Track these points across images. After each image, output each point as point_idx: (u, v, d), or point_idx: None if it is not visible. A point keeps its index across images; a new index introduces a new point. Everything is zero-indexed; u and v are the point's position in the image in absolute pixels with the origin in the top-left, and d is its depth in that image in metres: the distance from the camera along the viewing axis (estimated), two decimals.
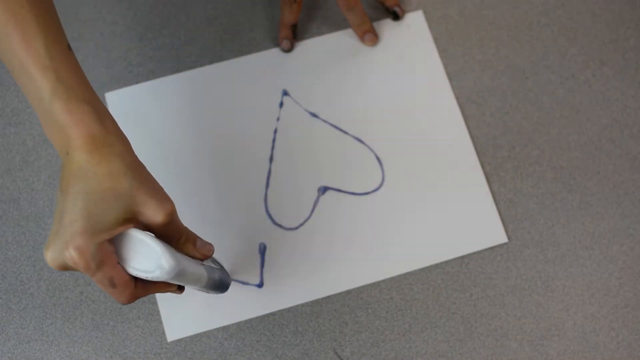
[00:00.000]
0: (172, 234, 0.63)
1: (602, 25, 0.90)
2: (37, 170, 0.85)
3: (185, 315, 0.81)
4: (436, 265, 0.83)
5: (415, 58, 0.89)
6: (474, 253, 0.83)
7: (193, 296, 0.82)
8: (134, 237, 0.60)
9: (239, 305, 0.82)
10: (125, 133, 0.86)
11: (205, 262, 0.70)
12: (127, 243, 0.60)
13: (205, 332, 0.81)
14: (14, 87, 0.88)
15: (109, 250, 0.59)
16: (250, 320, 0.81)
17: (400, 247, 0.83)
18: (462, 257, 0.83)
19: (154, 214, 0.60)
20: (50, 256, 0.58)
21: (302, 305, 0.82)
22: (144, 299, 0.81)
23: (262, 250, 0.83)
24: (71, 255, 0.57)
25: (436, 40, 0.90)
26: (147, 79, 0.88)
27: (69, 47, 0.61)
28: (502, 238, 0.83)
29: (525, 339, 0.81)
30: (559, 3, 0.91)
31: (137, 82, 0.88)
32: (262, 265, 0.83)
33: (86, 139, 0.58)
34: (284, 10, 0.88)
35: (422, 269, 0.82)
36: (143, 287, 0.63)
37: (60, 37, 0.61)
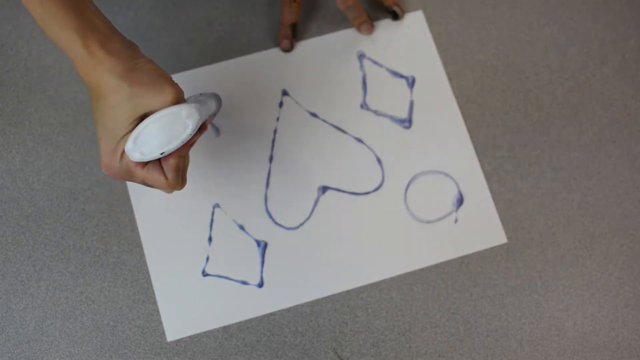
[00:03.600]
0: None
1: (602, 25, 0.90)
2: (37, 170, 0.85)
3: (185, 315, 0.81)
4: (436, 265, 0.83)
5: (415, 58, 0.89)
6: (474, 253, 0.83)
7: (193, 296, 0.82)
8: (149, 124, 0.64)
9: (239, 305, 0.82)
10: None
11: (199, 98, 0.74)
12: (148, 134, 0.64)
13: (205, 332, 0.81)
14: (14, 87, 0.88)
15: (128, 158, 0.65)
16: (250, 320, 0.81)
17: (400, 247, 0.83)
18: (462, 257, 0.83)
19: (160, 106, 0.64)
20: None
21: (302, 305, 0.82)
22: (144, 299, 0.81)
23: (262, 249, 0.83)
24: (105, 173, 0.67)
25: (436, 40, 0.90)
26: None
27: None
28: (502, 238, 0.83)
29: (525, 339, 0.81)
30: (559, 3, 0.91)
31: None
32: (262, 265, 0.83)
33: (80, 66, 0.64)
34: (283, 9, 0.88)
35: (422, 269, 0.83)
36: (175, 164, 0.67)
37: None
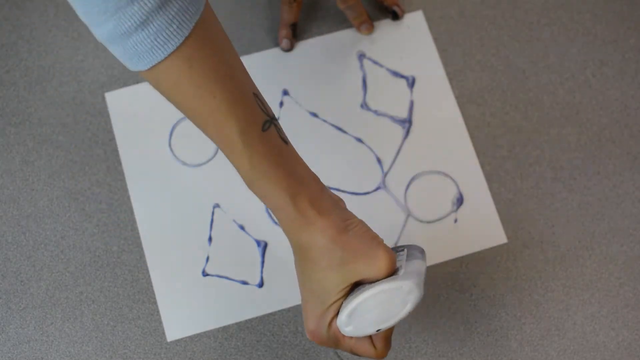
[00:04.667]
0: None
1: (602, 25, 0.90)
2: (37, 170, 0.85)
3: (185, 315, 0.81)
4: (436, 265, 0.83)
5: (415, 58, 0.89)
6: (474, 253, 0.83)
7: (193, 296, 0.82)
8: (367, 299, 0.60)
9: (239, 305, 0.82)
10: (125, 133, 0.87)
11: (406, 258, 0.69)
12: (364, 308, 0.60)
13: (205, 332, 0.81)
14: (13, 87, 0.88)
15: (337, 327, 0.61)
16: (250, 320, 0.81)
17: None
18: (462, 257, 0.83)
19: (375, 275, 0.60)
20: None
21: None
22: (144, 299, 0.81)
23: (262, 249, 0.83)
24: (309, 338, 0.63)
25: (436, 40, 0.90)
26: None
27: (266, 125, 0.59)
28: (502, 238, 0.83)
29: (525, 339, 0.81)
30: (559, 3, 0.91)
31: (137, 82, 0.88)
32: (262, 265, 0.83)
33: (288, 225, 0.60)
34: (283, 9, 0.88)
35: None
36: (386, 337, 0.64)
37: (254, 120, 0.58)
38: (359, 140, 0.87)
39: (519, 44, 0.89)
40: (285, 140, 0.60)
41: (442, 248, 0.83)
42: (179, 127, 0.87)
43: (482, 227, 0.84)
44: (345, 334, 0.61)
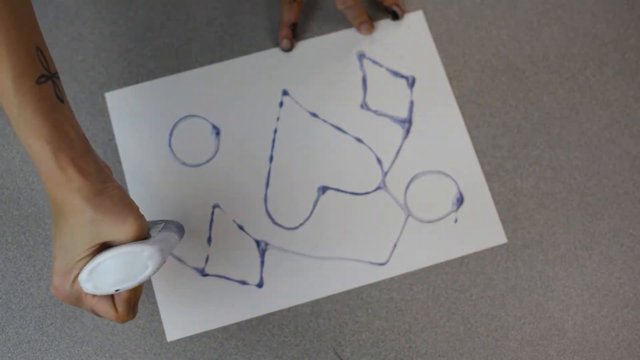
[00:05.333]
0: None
1: (602, 25, 0.90)
2: (37, 170, 0.85)
3: (185, 315, 0.81)
4: (436, 265, 0.83)
5: (415, 58, 0.89)
6: (474, 253, 0.83)
7: (193, 296, 0.82)
8: (107, 259, 0.63)
9: (239, 305, 0.82)
10: (125, 133, 0.87)
11: (159, 229, 0.72)
12: (104, 268, 0.63)
13: (205, 332, 0.81)
14: None
15: (79, 285, 0.63)
16: (250, 320, 0.81)
17: (400, 247, 0.83)
18: (462, 257, 0.83)
19: (123, 238, 0.63)
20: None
21: (302, 305, 0.82)
22: (144, 299, 0.81)
23: (262, 249, 0.83)
24: (52, 293, 0.64)
25: (436, 40, 0.90)
26: (147, 79, 0.88)
27: (42, 79, 0.62)
28: (502, 238, 0.83)
29: (525, 339, 0.81)
30: (559, 3, 0.91)
31: (137, 82, 0.88)
32: (262, 265, 0.83)
33: (47, 179, 0.61)
34: (283, 9, 0.88)
35: (422, 269, 0.83)
36: (126, 299, 0.66)
37: (30, 72, 0.61)
38: (359, 140, 0.87)
39: (519, 44, 0.89)
40: (61, 99, 0.63)
41: (442, 248, 0.83)
42: (179, 127, 0.87)
43: (482, 227, 0.84)
44: (86, 291, 0.63)
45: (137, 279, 0.63)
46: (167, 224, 0.74)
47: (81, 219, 0.61)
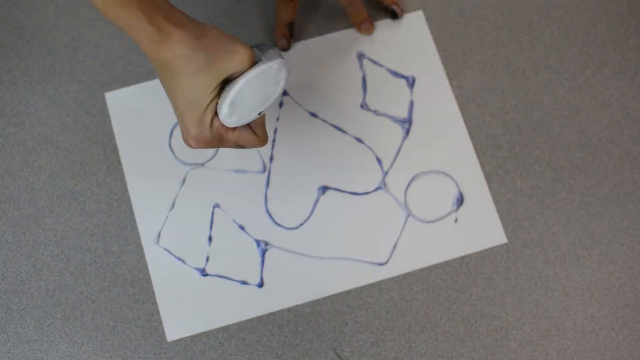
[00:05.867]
0: None
1: (602, 25, 0.90)
2: (37, 170, 0.85)
3: (185, 315, 0.81)
4: (436, 265, 0.83)
5: (415, 58, 0.89)
6: (474, 253, 0.83)
7: (193, 296, 0.82)
8: (242, 87, 0.64)
9: (239, 305, 0.82)
10: (125, 133, 0.87)
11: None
12: (241, 97, 0.65)
13: (205, 332, 0.81)
14: (13, 87, 0.88)
15: (218, 124, 0.66)
16: (250, 320, 0.81)
17: (400, 247, 0.83)
18: (462, 257, 0.83)
19: (240, 68, 0.64)
20: (190, 148, 0.70)
21: (302, 305, 0.82)
22: (144, 299, 0.81)
23: (262, 249, 0.83)
24: (193, 146, 0.67)
25: (436, 40, 0.90)
26: (147, 79, 0.88)
27: None
28: (502, 238, 0.83)
29: (525, 339, 0.81)
30: (559, 3, 0.91)
31: (137, 82, 0.88)
32: (262, 265, 0.83)
33: (147, 44, 0.63)
34: (280, 8, 0.88)
35: (422, 269, 0.83)
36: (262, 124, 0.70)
37: None
38: (359, 140, 0.87)
39: (519, 44, 0.89)
40: None
41: (442, 248, 0.83)
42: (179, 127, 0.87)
43: (482, 227, 0.84)
44: (230, 125, 0.66)
45: (275, 95, 0.66)
46: (260, 46, 0.73)
47: (196, 66, 0.63)
